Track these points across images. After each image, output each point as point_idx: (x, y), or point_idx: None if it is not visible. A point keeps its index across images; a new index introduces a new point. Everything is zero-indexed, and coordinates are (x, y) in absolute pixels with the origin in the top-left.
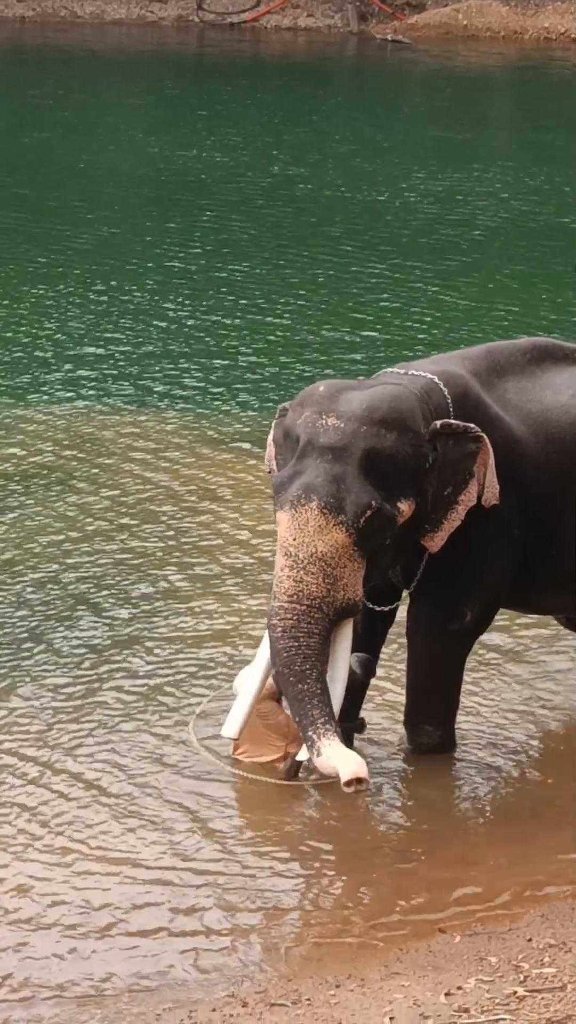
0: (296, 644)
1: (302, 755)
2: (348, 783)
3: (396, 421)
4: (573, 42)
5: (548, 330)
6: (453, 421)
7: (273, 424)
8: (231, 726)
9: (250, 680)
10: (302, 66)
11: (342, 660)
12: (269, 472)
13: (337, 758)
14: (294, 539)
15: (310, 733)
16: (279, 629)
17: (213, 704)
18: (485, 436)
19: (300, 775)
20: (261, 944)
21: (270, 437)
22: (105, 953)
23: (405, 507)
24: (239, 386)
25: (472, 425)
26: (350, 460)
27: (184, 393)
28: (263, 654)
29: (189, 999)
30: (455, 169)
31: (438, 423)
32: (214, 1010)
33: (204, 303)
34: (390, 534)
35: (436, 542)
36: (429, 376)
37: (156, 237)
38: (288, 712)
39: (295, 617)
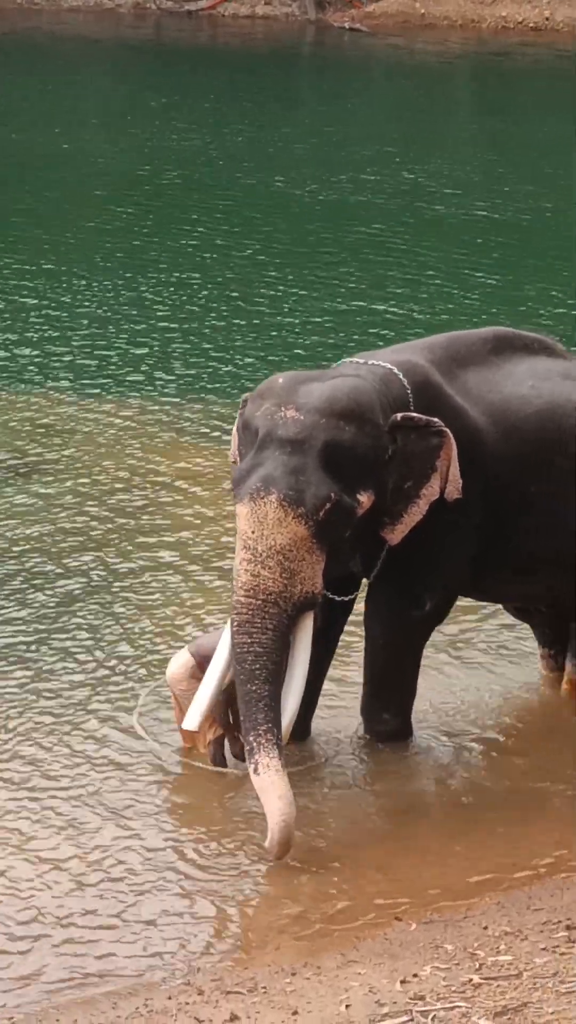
0: (249, 640)
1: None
2: (271, 846)
3: (355, 413)
4: (531, 31)
5: (515, 320)
6: (415, 414)
7: (238, 414)
8: (191, 719)
9: (211, 672)
10: (260, 55)
11: (301, 661)
12: (234, 462)
13: (271, 796)
14: (253, 532)
15: (251, 739)
16: (235, 624)
17: (155, 693)
18: (448, 431)
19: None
20: (217, 932)
21: (235, 427)
22: (60, 943)
23: (364, 499)
24: (200, 373)
25: (435, 419)
26: (309, 452)
27: (144, 380)
28: (225, 645)
29: (145, 987)
30: (415, 159)
31: (399, 416)
32: (170, 998)
33: (164, 291)
34: (349, 526)
35: (396, 535)
36: (389, 367)
37: (115, 225)
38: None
39: (250, 612)
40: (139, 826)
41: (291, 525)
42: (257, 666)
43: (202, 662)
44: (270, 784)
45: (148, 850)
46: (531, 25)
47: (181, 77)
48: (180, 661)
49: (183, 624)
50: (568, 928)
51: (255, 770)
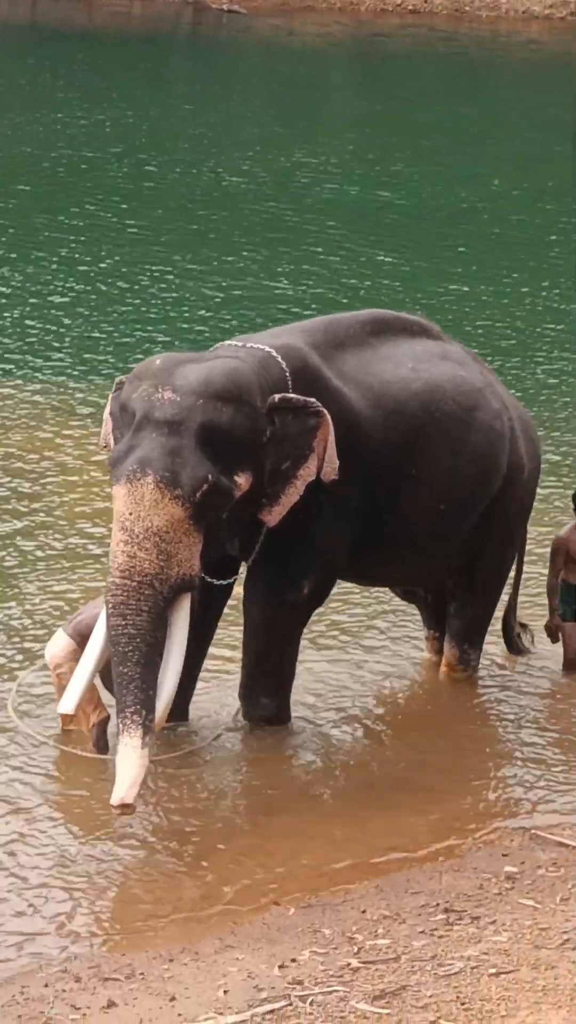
0: (123, 622)
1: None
2: (113, 806)
3: (232, 394)
4: (410, 13)
5: (398, 298)
6: (292, 395)
7: (110, 398)
8: (67, 702)
9: (87, 655)
10: (137, 36)
11: (178, 643)
12: (104, 447)
13: (119, 770)
14: (130, 513)
15: (119, 719)
16: (110, 605)
17: (30, 678)
18: (325, 411)
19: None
20: (94, 919)
21: (106, 412)
22: None
23: (242, 480)
24: (86, 354)
25: (312, 400)
26: (186, 434)
27: (31, 361)
28: (101, 628)
29: (21, 974)
30: (295, 140)
31: (276, 397)
32: (47, 985)
33: (46, 272)
34: (227, 508)
35: (274, 516)
36: (267, 349)
37: None
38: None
39: (125, 594)
40: (14, 814)
41: (168, 506)
42: (130, 648)
43: (82, 642)
44: (126, 759)
45: (24, 837)
46: (410, 8)
47: (58, 58)
48: (60, 643)
49: (62, 607)
50: (446, 911)
51: (118, 748)
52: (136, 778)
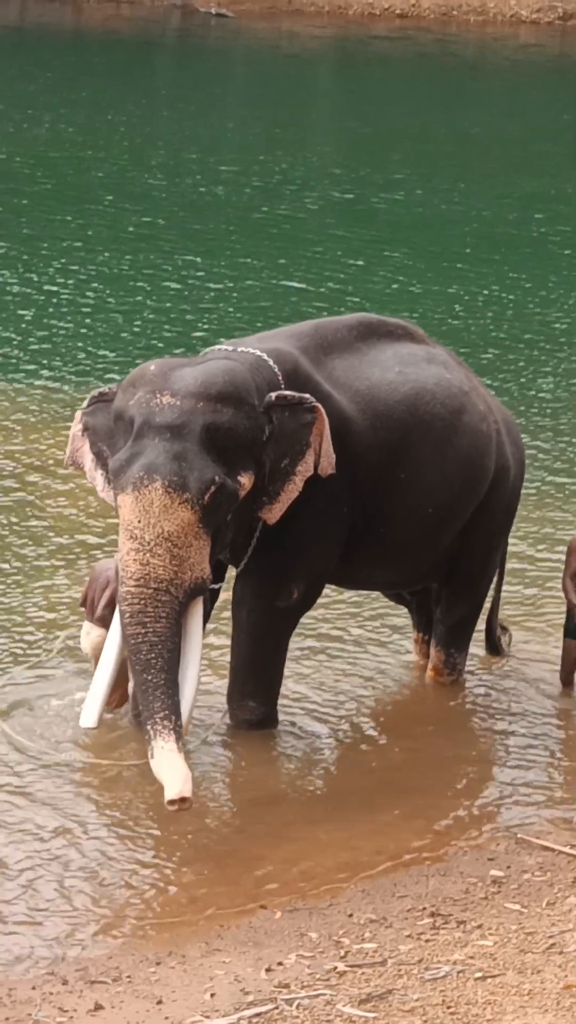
0: (143, 630)
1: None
2: (171, 802)
3: (232, 395)
4: (397, 17)
5: (381, 309)
6: (288, 392)
7: (78, 416)
8: (88, 716)
9: (102, 666)
10: (124, 40)
11: (195, 647)
12: (69, 465)
13: (165, 770)
14: (139, 521)
15: (148, 727)
16: (127, 615)
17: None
18: (320, 406)
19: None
20: (81, 922)
21: (74, 429)
22: None
23: (246, 480)
24: (80, 359)
25: (307, 396)
26: (189, 437)
27: (24, 367)
28: (115, 638)
29: (8, 978)
30: (280, 145)
31: (273, 395)
32: (34, 988)
33: (37, 278)
34: (232, 509)
35: (274, 513)
36: (258, 353)
37: None
38: None
39: (142, 602)
40: (2, 817)
41: (178, 511)
42: (152, 655)
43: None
44: (166, 762)
45: (11, 840)
46: (397, 12)
47: (46, 62)
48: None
49: (52, 611)
50: (433, 915)
51: (152, 755)
52: (186, 773)
